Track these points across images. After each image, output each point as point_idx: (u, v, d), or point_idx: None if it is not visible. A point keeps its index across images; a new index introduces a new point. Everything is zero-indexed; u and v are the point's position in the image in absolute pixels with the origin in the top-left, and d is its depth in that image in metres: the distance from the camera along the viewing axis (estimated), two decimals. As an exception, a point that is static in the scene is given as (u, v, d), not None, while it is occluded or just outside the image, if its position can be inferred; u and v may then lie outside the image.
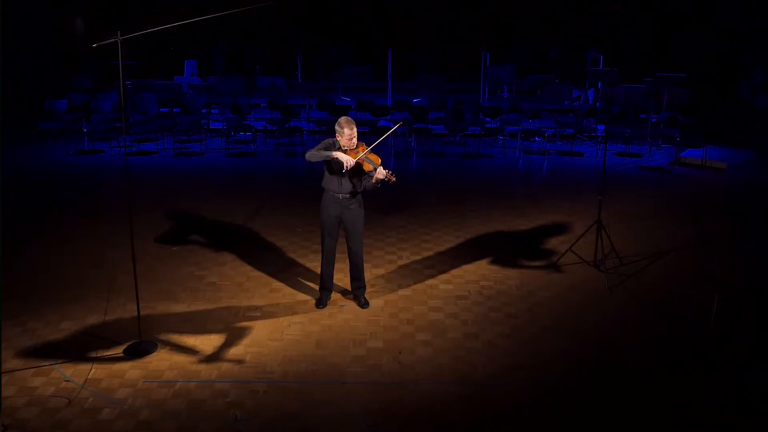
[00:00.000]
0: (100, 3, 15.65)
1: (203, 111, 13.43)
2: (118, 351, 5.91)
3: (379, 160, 6.26)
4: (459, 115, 13.09)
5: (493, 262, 7.84)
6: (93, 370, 5.61)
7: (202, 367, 5.71)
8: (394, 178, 6.16)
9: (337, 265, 6.86)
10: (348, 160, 6.13)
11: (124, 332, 6.17)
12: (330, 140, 6.35)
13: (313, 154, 6.25)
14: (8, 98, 10.16)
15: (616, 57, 15.44)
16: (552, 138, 13.73)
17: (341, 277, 7.15)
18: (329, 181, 6.40)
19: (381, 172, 6.15)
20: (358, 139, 6.34)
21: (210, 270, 7.56)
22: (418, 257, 7.97)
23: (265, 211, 9.43)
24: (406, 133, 13.43)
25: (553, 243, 8.39)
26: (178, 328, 6.31)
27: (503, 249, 8.22)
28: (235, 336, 6.19)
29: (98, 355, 5.85)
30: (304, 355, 5.91)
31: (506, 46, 17.06)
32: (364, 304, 6.78)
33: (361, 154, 6.23)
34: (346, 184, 6.37)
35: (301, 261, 7.80)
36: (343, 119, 6.29)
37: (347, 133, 6.22)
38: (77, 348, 5.96)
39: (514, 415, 5.18)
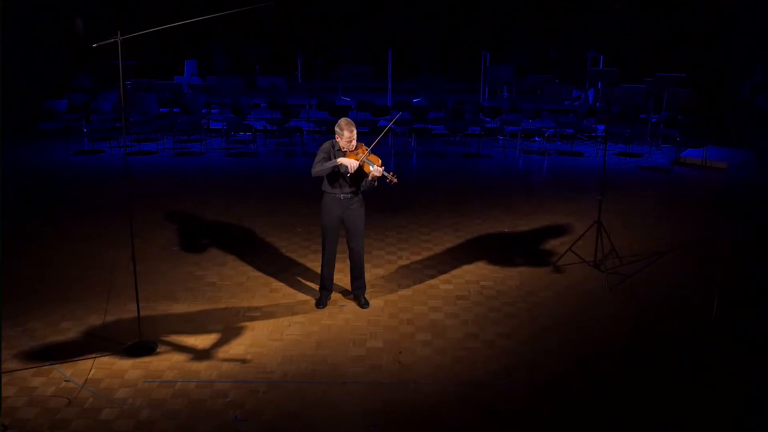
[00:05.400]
0: (100, 3, 15.63)
1: (203, 111, 13.42)
2: (118, 351, 5.91)
3: (380, 161, 6.27)
4: (459, 115, 13.09)
5: (493, 262, 7.84)
6: (93, 370, 5.61)
7: (202, 367, 5.72)
8: (395, 179, 6.16)
9: (337, 265, 6.86)
10: (351, 164, 6.16)
11: (124, 332, 6.17)
12: (328, 143, 6.38)
13: (319, 170, 6.28)
14: (8, 98, 10.16)
15: (616, 57, 15.44)
16: (552, 138, 13.73)
17: (341, 277, 7.16)
18: (331, 183, 6.40)
19: (378, 170, 6.15)
20: (358, 140, 6.35)
21: (210, 270, 7.56)
22: (418, 257, 7.97)
23: (265, 211, 9.43)
24: (406, 133, 13.43)
25: (553, 243, 8.39)
26: (178, 328, 6.31)
27: (503, 249, 8.22)
28: (235, 336, 6.19)
29: (98, 355, 5.85)
30: (304, 355, 5.92)
31: (506, 46, 17.05)
32: (364, 304, 6.78)
33: (361, 156, 6.24)
34: (347, 185, 6.37)
35: (301, 261, 7.80)
36: (343, 121, 6.30)
37: (347, 135, 6.23)
38: (77, 348, 5.96)
39: (514, 415, 5.18)
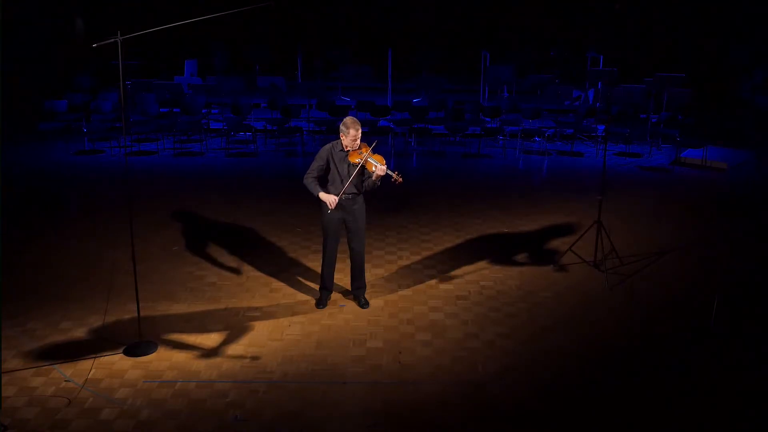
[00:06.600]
0: (100, 3, 15.64)
1: (203, 111, 13.43)
2: (118, 351, 5.91)
3: (384, 161, 6.27)
4: (459, 115, 13.09)
5: (493, 262, 7.84)
6: (93, 370, 5.61)
7: (202, 367, 5.72)
8: (400, 179, 6.16)
9: (337, 265, 6.86)
10: (330, 202, 6.23)
11: (124, 332, 6.17)
12: (327, 148, 6.39)
13: (306, 185, 6.37)
14: (8, 98, 10.16)
15: (616, 57, 15.44)
16: (552, 138, 13.73)
17: (341, 277, 7.16)
18: (332, 184, 6.40)
19: (382, 169, 6.16)
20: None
21: (210, 270, 7.56)
22: (418, 257, 7.97)
23: (265, 211, 9.43)
24: (406, 133, 13.43)
25: (553, 243, 8.39)
26: (178, 328, 6.31)
27: (503, 249, 8.22)
28: (235, 336, 6.19)
29: (98, 355, 5.85)
30: (304, 355, 5.92)
31: (506, 46, 17.05)
32: (364, 304, 6.78)
33: (365, 155, 6.24)
34: (349, 186, 6.36)
35: (301, 261, 7.81)
36: (349, 120, 6.29)
37: (352, 134, 6.23)
38: (77, 348, 5.96)
39: (514, 415, 5.18)
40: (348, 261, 6.83)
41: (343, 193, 6.32)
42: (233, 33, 16.58)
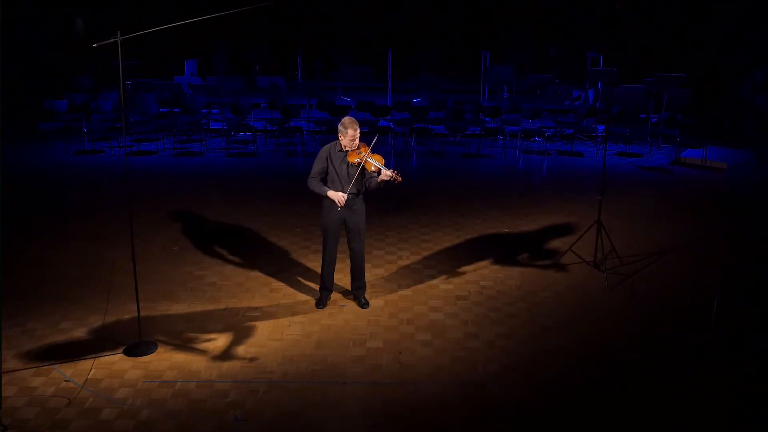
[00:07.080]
0: (100, 3, 15.63)
1: (203, 111, 13.43)
2: (118, 351, 5.92)
3: (383, 161, 6.26)
4: (459, 115, 13.09)
5: (493, 262, 7.84)
6: (93, 370, 5.61)
7: (202, 367, 5.72)
8: (400, 178, 6.17)
9: (337, 266, 6.86)
10: (338, 200, 6.24)
11: (124, 332, 6.17)
12: (326, 149, 6.39)
13: (312, 188, 6.40)
14: (8, 98, 10.15)
15: (616, 57, 15.44)
16: (552, 138, 13.73)
17: (341, 277, 7.16)
18: (332, 184, 6.40)
19: (386, 174, 6.15)
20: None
21: (210, 270, 7.56)
22: (418, 257, 7.97)
23: (265, 211, 9.43)
24: (406, 133, 13.44)
25: (553, 243, 8.39)
26: (178, 328, 6.31)
27: (503, 249, 8.22)
28: (235, 336, 6.19)
29: (98, 355, 5.85)
30: (304, 355, 5.92)
31: (506, 46, 17.05)
32: (364, 304, 6.78)
33: (364, 155, 6.23)
34: (349, 186, 6.35)
35: (301, 261, 7.81)
36: (347, 120, 6.29)
37: (350, 134, 6.23)
38: (77, 348, 5.96)
39: (514, 415, 5.18)
40: (348, 261, 6.83)
41: (347, 193, 6.33)
42: (233, 33, 16.59)
